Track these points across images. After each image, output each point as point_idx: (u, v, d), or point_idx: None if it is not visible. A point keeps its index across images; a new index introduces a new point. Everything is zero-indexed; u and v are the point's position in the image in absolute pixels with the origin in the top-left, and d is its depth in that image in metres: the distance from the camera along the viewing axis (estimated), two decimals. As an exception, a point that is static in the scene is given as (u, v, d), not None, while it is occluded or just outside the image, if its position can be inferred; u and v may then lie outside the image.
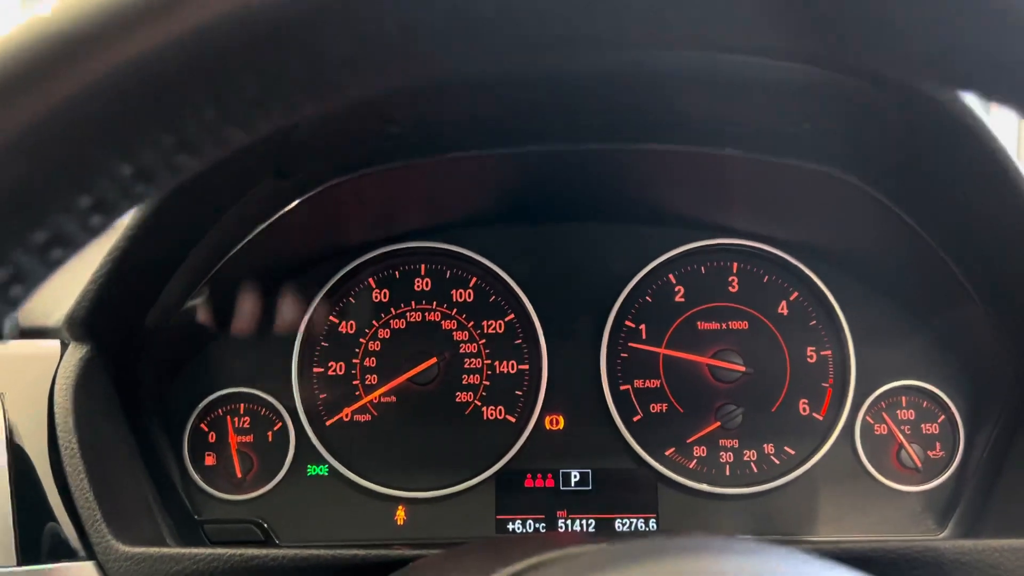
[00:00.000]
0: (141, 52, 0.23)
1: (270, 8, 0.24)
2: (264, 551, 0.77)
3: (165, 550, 0.71)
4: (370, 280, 0.96)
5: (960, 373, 0.94)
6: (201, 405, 0.92)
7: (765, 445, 0.94)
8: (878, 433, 0.94)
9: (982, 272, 0.85)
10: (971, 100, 0.71)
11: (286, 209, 0.83)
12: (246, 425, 0.93)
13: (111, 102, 0.24)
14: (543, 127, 0.84)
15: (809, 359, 0.95)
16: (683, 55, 0.69)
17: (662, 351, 0.96)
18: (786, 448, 0.94)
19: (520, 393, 0.95)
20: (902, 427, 0.94)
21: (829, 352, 0.95)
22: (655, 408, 0.95)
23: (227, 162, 0.29)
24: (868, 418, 0.94)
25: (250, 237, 0.83)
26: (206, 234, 0.80)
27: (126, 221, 0.73)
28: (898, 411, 0.94)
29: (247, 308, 0.94)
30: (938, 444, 0.93)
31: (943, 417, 0.94)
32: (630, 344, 0.96)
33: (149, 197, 0.27)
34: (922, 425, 0.94)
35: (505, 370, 0.96)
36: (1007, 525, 0.84)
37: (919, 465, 0.93)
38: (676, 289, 0.97)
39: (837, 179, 0.85)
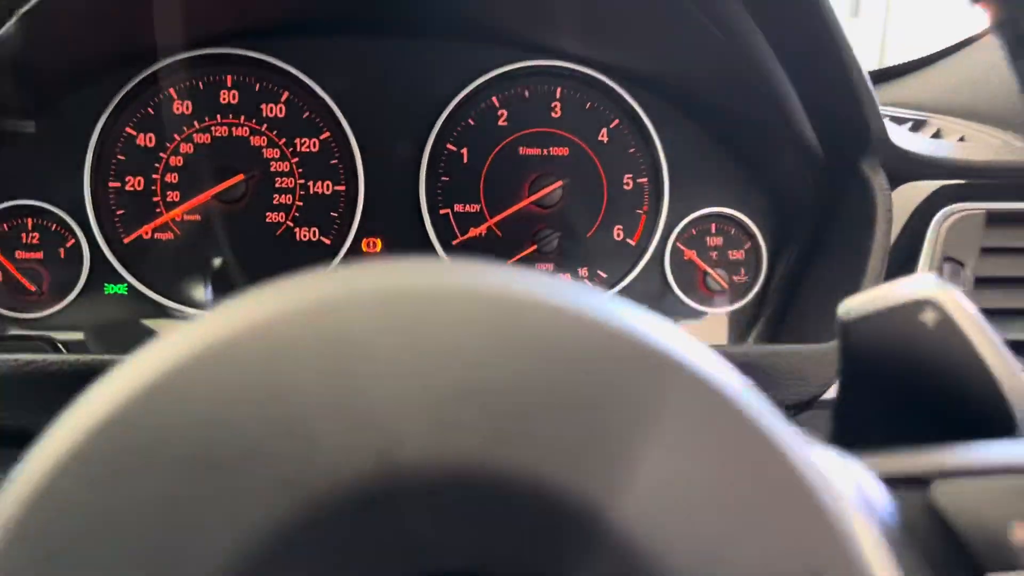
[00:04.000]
0: None
1: None
2: (43, 357, 0.73)
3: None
4: (170, 90, 0.89)
5: (766, 203, 0.97)
6: (-18, 218, 0.85)
7: (579, 268, 0.96)
8: (687, 259, 0.97)
9: (790, 106, 0.88)
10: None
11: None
12: (35, 241, 0.87)
13: None
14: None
15: (625, 186, 0.96)
16: None
17: (483, 176, 0.95)
18: (599, 272, 0.96)
19: (335, 215, 0.93)
20: (710, 252, 0.97)
21: (645, 180, 0.97)
22: (474, 232, 0.95)
23: None
24: (679, 244, 0.96)
25: (14, 23, 0.75)
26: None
27: None
28: (707, 238, 0.97)
29: (29, 113, 0.86)
30: (743, 269, 0.97)
31: (749, 244, 0.97)
32: (451, 167, 0.94)
33: None
34: (729, 251, 0.97)
35: (320, 191, 0.92)
36: (795, 339, 0.90)
37: (725, 288, 0.96)
38: (499, 113, 0.95)
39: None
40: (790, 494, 0.27)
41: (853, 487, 0.33)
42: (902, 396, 0.41)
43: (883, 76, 1.28)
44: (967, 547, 0.33)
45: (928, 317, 0.40)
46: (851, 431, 0.42)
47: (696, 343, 0.28)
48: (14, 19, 0.72)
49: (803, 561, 0.26)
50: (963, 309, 0.39)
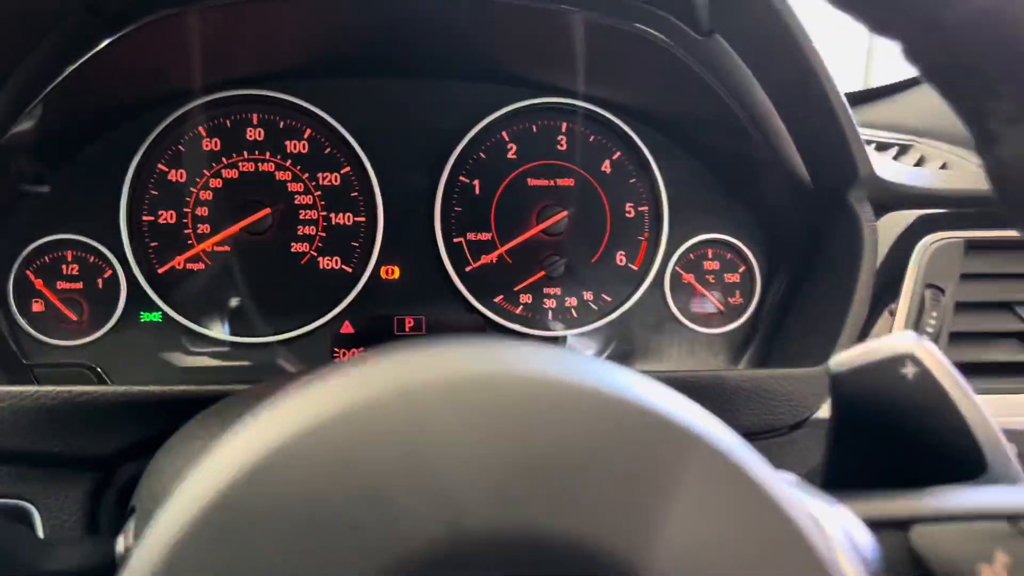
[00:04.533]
0: None
1: None
2: (94, 388, 0.79)
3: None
4: (200, 128, 0.95)
5: (760, 229, 1.03)
6: (24, 252, 0.91)
7: (584, 292, 1.02)
8: (685, 281, 1.03)
9: (782, 144, 0.93)
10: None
11: (101, 46, 0.80)
12: (75, 272, 0.92)
13: None
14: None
15: (627, 214, 1.02)
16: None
17: (494, 207, 1.01)
18: (603, 295, 1.02)
19: (356, 244, 0.98)
20: (707, 276, 1.03)
21: (646, 207, 1.03)
22: (485, 259, 1.01)
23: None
24: (678, 268, 1.03)
25: (65, 75, 0.80)
26: (18, 67, 0.77)
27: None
28: (704, 262, 1.03)
29: (70, 152, 0.91)
30: (738, 292, 1.04)
31: (743, 268, 1.04)
32: (464, 198, 1.00)
33: None
34: (725, 275, 1.03)
35: (341, 222, 0.98)
36: (787, 360, 0.96)
37: (720, 309, 1.03)
38: (509, 146, 1.01)
39: (659, 43, 0.90)
40: (793, 549, 0.33)
41: (842, 533, 0.39)
42: (887, 442, 0.47)
43: (869, 96, 1.34)
44: (944, 587, 0.39)
45: (908, 370, 0.46)
46: (842, 474, 0.48)
47: (714, 421, 0.34)
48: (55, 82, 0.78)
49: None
50: (939, 362, 0.46)
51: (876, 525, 0.40)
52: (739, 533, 0.33)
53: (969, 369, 0.72)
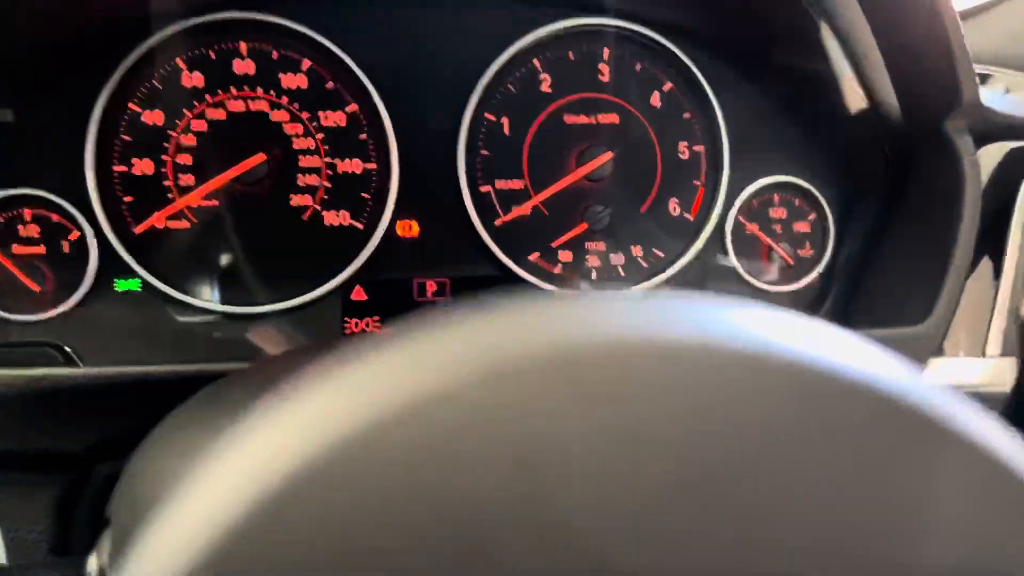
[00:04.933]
0: None
1: None
2: (60, 370, 0.65)
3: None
4: (178, 60, 0.80)
5: (835, 171, 0.90)
6: (-27, 211, 0.76)
7: (633, 247, 0.88)
8: (749, 232, 0.89)
9: (869, 62, 0.80)
10: None
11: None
12: (35, 234, 0.78)
13: None
14: None
15: (681, 155, 0.88)
16: None
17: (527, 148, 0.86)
18: (655, 250, 0.88)
19: (367, 196, 0.84)
20: (773, 226, 0.89)
21: (702, 148, 0.88)
22: (517, 211, 0.86)
23: None
24: (740, 217, 0.89)
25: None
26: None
27: None
28: (770, 210, 0.89)
29: (24, 93, 0.76)
30: (808, 243, 0.90)
31: (814, 215, 0.90)
32: (491, 140, 0.86)
33: None
34: (794, 224, 0.90)
35: (349, 169, 0.83)
36: (873, 321, 0.83)
37: (789, 263, 0.89)
38: (542, 78, 0.87)
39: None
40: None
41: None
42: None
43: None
44: None
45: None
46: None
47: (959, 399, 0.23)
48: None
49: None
50: None
51: None
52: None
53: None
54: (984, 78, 1.02)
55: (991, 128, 0.81)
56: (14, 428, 0.65)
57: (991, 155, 0.87)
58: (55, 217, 0.78)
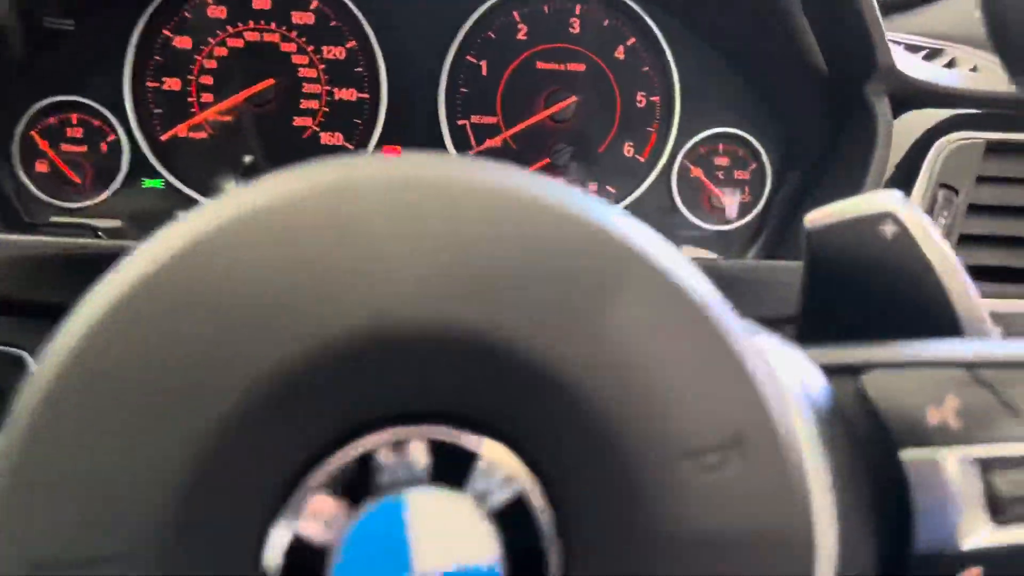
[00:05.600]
0: None
1: None
2: (90, 240, 0.80)
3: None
4: (205, -6, 0.93)
5: (774, 125, 1.00)
6: (30, 112, 0.91)
7: (590, 183, 1.00)
8: (693, 175, 1.01)
9: (801, 33, 0.90)
10: None
11: None
12: (79, 135, 0.93)
13: None
14: None
15: (639, 104, 1.00)
16: None
17: (501, 87, 0.98)
18: (608, 187, 1.00)
19: (359, 121, 0.97)
20: (716, 172, 1.01)
21: (657, 98, 1.00)
22: (490, 143, 0.99)
23: None
24: (686, 161, 1.00)
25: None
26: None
27: None
28: (714, 157, 1.01)
29: (70, 11, 0.90)
30: (747, 189, 1.01)
31: (755, 165, 1.01)
32: (470, 79, 0.98)
33: None
34: (735, 171, 1.01)
35: (344, 97, 0.97)
36: (793, 256, 0.94)
37: (727, 205, 1.01)
38: (519, 27, 0.98)
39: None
40: (723, 362, 0.32)
41: (790, 369, 0.38)
42: (860, 302, 0.46)
43: (906, 5, 1.28)
44: (887, 427, 0.39)
45: (887, 229, 0.44)
46: (813, 333, 0.47)
47: (658, 239, 0.33)
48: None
49: (730, 421, 0.32)
50: (920, 223, 0.44)
51: (828, 369, 0.40)
52: (673, 350, 0.32)
53: (977, 272, 0.70)
54: (935, 52, 1.11)
55: (912, 94, 0.91)
56: (50, 284, 0.80)
57: (926, 118, 0.96)
58: (96, 122, 0.93)
